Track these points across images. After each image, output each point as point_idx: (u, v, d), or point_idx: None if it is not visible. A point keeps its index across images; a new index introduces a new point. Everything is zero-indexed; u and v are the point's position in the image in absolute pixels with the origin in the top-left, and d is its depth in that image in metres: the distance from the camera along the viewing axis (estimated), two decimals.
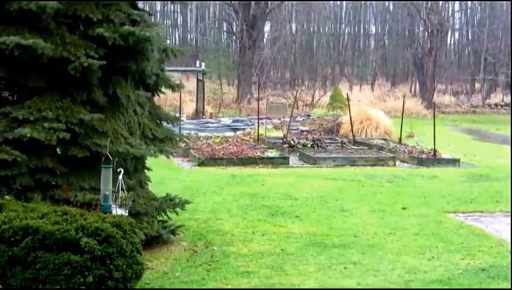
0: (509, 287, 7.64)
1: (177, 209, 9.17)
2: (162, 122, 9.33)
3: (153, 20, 9.82)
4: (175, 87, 9.20)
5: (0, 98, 8.08)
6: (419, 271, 8.16)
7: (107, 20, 7.84)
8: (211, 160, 16.48)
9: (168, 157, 9.26)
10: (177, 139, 9.39)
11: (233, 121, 27.87)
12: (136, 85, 8.38)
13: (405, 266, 8.37)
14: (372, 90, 46.54)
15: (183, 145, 18.32)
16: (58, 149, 7.83)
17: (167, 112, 9.77)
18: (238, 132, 23.72)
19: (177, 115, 17.58)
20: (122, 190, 7.04)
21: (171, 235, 9.07)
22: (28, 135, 7.25)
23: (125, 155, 7.68)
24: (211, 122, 27.52)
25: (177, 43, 56.92)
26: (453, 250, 9.16)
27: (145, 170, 8.92)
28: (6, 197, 7.29)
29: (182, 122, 21.10)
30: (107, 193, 6.85)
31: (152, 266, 8.01)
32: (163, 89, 9.23)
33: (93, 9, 7.83)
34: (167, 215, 9.19)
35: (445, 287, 7.58)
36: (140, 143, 8.07)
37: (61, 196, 7.58)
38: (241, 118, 29.12)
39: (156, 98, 9.35)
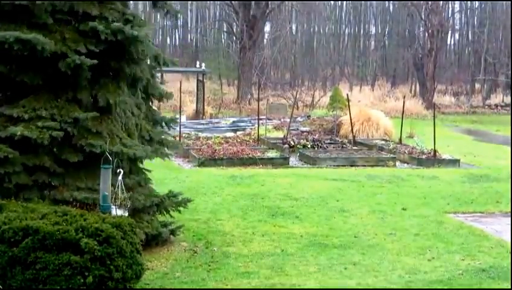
0: (510, 287, 7.65)
1: (180, 208, 9.16)
2: (158, 125, 9.34)
3: (153, 21, 9.83)
4: (163, 96, 9.18)
5: None
6: (419, 272, 8.17)
7: (102, 17, 7.92)
8: (211, 160, 16.47)
9: (163, 159, 9.22)
10: (170, 144, 9.34)
11: (234, 122, 27.87)
12: (131, 88, 8.39)
13: (405, 266, 8.37)
14: (372, 90, 46.50)
15: (184, 146, 18.44)
16: (55, 149, 7.83)
17: (162, 114, 9.76)
18: (238, 133, 23.70)
19: (177, 115, 17.64)
20: (121, 190, 7.04)
21: (171, 236, 9.07)
22: (19, 133, 7.27)
23: (120, 155, 7.68)
24: (211, 123, 27.52)
25: (177, 43, 56.98)
26: (453, 250, 9.16)
27: (145, 171, 8.92)
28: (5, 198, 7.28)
29: (183, 123, 21.22)
30: (107, 193, 6.86)
31: (152, 266, 8.02)
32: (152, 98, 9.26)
33: (90, 5, 7.92)
34: (170, 215, 9.18)
35: (446, 288, 7.59)
36: (136, 144, 8.08)
37: (57, 196, 7.59)
38: (242, 119, 29.12)
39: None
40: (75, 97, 7.83)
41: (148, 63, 8.66)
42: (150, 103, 9.23)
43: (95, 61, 7.60)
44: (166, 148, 9.17)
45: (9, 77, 7.72)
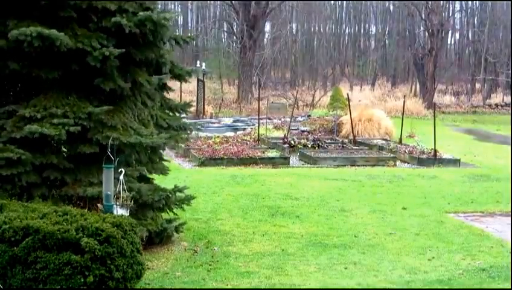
0: (510, 287, 7.64)
1: (183, 205, 9.16)
2: (173, 111, 9.41)
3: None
4: (190, 73, 9.20)
5: (4, 96, 8.08)
6: (419, 271, 8.17)
7: (122, 10, 7.92)
8: (211, 160, 16.47)
9: (183, 144, 9.26)
10: (190, 127, 9.46)
11: (234, 121, 27.87)
12: (157, 73, 8.48)
13: (405, 266, 8.37)
14: (373, 90, 46.51)
15: (182, 145, 18.42)
16: (63, 147, 7.85)
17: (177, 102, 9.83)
18: (239, 132, 23.70)
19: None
20: (123, 190, 7.04)
21: (174, 233, 9.07)
22: (39, 131, 7.26)
23: (137, 147, 7.71)
24: (212, 122, 27.51)
25: None
26: (453, 250, 9.16)
27: (163, 161, 9.05)
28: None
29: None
30: (109, 192, 6.86)
31: (152, 266, 8.02)
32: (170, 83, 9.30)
33: (108, 1, 7.92)
34: (173, 212, 9.18)
35: (446, 288, 7.58)
36: (152, 132, 8.09)
37: (69, 192, 7.60)
38: (242, 118, 29.11)
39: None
40: (87, 93, 7.85)
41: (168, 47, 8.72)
42: (165, 93, 9.27)
43: (123, 50, 7.66)
44: (186, 131, 9.25)
45: (21, 74, 7.72)
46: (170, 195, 8.66)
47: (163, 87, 8.90)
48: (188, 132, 9.42)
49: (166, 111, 9.22)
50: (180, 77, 9.14)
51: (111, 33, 7.83)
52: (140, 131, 7.91)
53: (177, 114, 9.46)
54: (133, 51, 8.01)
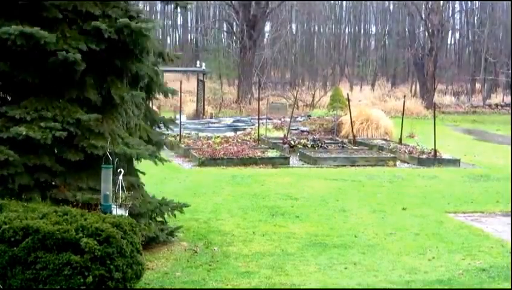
0: (510, 287, 7.64)
1: (176, 212, 9.15)
2: (156, 125, 9.32)
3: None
4: (168, 93, 9.18)
5: None
6: (419, 271, 8.17)
7: (105, 15, 7.91)
8: (211, 160, 16.47)
9: (156, 163, 8.88)
10: (167, 144, 9.31)
11: (234, 121, 27.87)
12: (133, 87, 8.38)
13: (405, 266, 8.37)
14: (373, 90, 46.47)
15: (182, 145, 18.43)
16: (55, 149, 7.82)
17: (162, 114, 9.75)
18: (239, 132, 23.70)
19: (177, 115, 17.65)
20: (122, 190, 7.04)
21: (169, 237, 9.05)
22: (24, 133, 7.25)
23: (122, 156, 7.67)
24: (211, 123, 27.52)
25: (177, 43, 56.93)
26: (453, 250, 9.16)
27: (139, 173, 8.91)
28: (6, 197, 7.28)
29: (183, 123, 21.20)
30: (108, 192, 6.85)
31: (152, 266, 8.02)
32: (157, 95, 9.24)
33: (93, 5, 7.93)
34: (164, 219, 9.16)
35: (446, 288, 7.59)
36: (138, 143, 8.07)
37: (59, 195, 7.58)
38: (242, 118, 29.11)
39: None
40: (77, 97, 7.81)
41: (153, 59, 8.63)
42: (150, 104, 9.21)
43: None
44: (164, 147, 9.14)
45: (12, 76, 7.71)
46: (158, 206, 8.65)
47: (149, 96, 8.87)
48: (161, 147, 9.22)
49: (148, 123, 9.10)
50: (155, 94, 9.11)
51: (92, 37, 7.77)
52: (127, 140, 7.88)
53: (158, 129, 9.35)
54: (112, 58, 7.95)
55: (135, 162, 8.64)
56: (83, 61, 7.54)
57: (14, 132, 7.29)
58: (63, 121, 7.53)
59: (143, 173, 9.01)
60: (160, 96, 9.46)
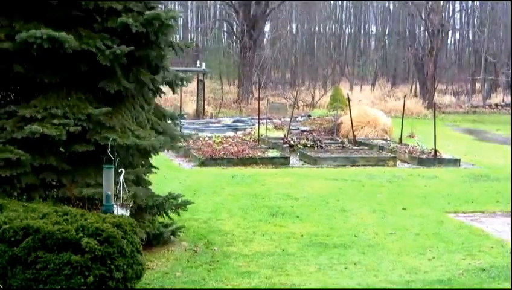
0: (510, 287, 7.64)
1: (179, 209, 9.16)
2: (165, 120, 9.36)
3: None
4: (184, 81, 9.15)
5: (5, 97, 8.08)
6: (419, 271, 8.17)
7: (127, 10, 7.90)
8: (212, 160, 16.47)
9: (178, 152, 9.01)
10: (179, 137, 9.37)
11: (234, 121, 27.88)
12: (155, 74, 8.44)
13: (405, 266, 8.37)
14: (373, 90, 46.53)
15: (183, 144, 18.42)
16: (61, 148, 7.83)
17: (169, 110, 9.79)
18: (239, 132, 23.71)
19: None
20: (123, 189, 7.04)
21: (171, 236, 9.07)
22: (40, 131, 7.24)
23: (133, 148, 7.69)
24: (211, 122, 27.52)
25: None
26: (453, 250, 9.16)
27: (152, 168, 8.97)
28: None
29: (182, 124, 21.22)
30: (109, 192, 6.86)
31: (152, 266, 8.02)
32: (164, 88, 9.24)
33: (114, 1, 7.90)
34: (169, 217, 9.17)
35: (446, 288, 7.59)
36: (149, 134, 8.08)
37: (65, 194, 7.59)
38: (242, 118, 29.11)
39: (156, 99, 9.34)
40: (86, 94, 7.83)
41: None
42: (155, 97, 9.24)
43: (132, 48, 7.63)
44: (174, 140, 9.18)
45: (25, 77, 7.69)
46: (164, 201, 8.66)
47: (157, 92, 8.88)
48: (182, 140, 9.29)
49: (160, 118, 9.15)
50: (172, 84, 9.13)
51: (116, 33, 7.79)
52: (137, 133, 7.90)
53: (170, 122, 9.42)
54: (136, 50, 7.96)
55: (151, 156, 8.69)
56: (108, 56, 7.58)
57: (29, 130, 7.27)
58: (74, 118, 7.55)
59: (157, 168, 9.13)
60: (162, 95, 9.43)
